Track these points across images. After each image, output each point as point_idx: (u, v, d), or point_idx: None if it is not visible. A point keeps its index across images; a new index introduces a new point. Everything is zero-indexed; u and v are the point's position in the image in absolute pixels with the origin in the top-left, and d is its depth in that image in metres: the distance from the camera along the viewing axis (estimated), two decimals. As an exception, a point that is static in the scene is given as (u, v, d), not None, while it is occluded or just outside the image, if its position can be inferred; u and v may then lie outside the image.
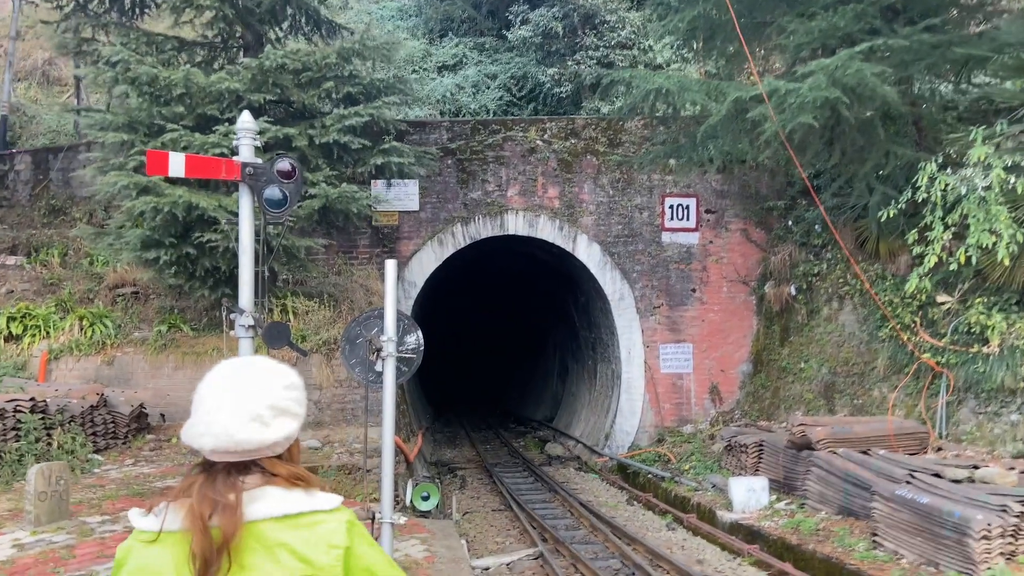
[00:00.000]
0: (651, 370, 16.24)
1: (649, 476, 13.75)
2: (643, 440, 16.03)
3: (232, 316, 7.93)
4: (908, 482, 8.96)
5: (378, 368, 6.30)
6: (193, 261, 10.47)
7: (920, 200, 10.72)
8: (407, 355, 6.40)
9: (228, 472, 1.69)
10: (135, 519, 1.71)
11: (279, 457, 1.74)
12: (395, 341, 6.30)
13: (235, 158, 7.72)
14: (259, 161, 7.83)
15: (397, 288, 6.73)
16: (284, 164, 7.80)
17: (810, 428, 11.13)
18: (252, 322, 7.75)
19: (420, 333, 6.41)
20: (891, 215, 11.13)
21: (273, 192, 7.75)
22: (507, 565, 8.72)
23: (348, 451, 10.27)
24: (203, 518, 1.62)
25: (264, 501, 1.67)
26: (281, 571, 1.63)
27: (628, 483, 14.25)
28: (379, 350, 6.27)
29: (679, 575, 8.15)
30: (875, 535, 8.88)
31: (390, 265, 6.00)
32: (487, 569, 8.63)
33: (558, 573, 7.97)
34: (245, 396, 1.70)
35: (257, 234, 8.30)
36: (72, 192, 15.84)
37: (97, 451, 9.79)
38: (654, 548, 9.03)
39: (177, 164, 7.40)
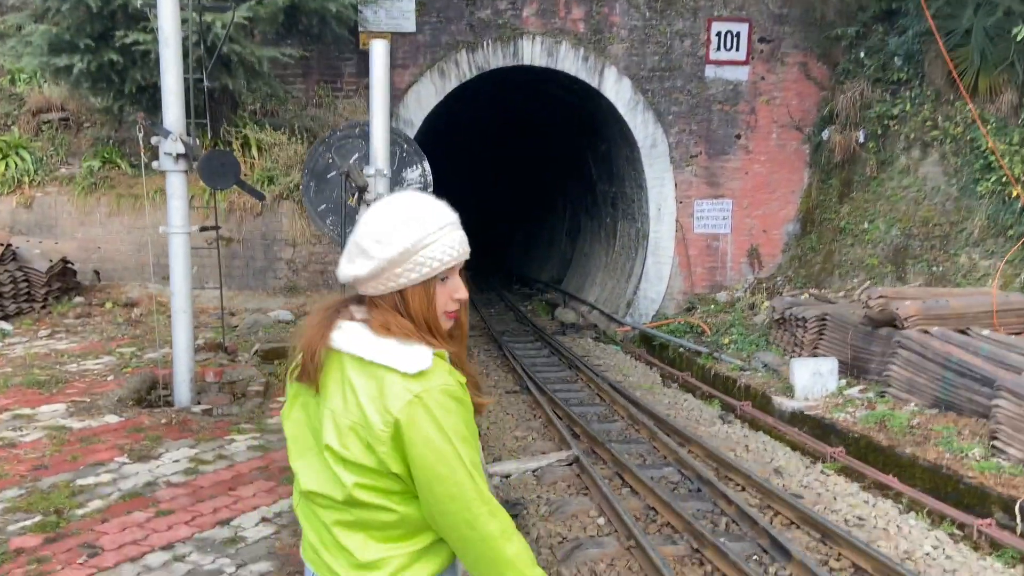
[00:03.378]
0: (683, 229, 14.09)
1: (681, 350, 11.90)
2: (670, 308, 14.12)
3: (154, 140, 5.56)
4: (1042, 374, 7.03)
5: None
6: (120, 72, 7.97)
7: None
8: (407, 197, 4.15)
9: (356, 301, 1.67)
10: None
11: (398, 307, 1.60)
12: (388, 176, 4.03)
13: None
14: (180, -96, 5.24)
15: (390, 108, 4.39)
16: (218, -90, 5.22)
17: (894, 301, 9.11)
18: (182, 149, 5.39)
19: (427, 165, 4.15)
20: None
21: (204, -46, 5.23)
22: (533, 472, 6.87)
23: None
24: (311, 341, 1.62)
25: (347, 334, 1.60)
26: (344, 409, 1.56)
27: (656, 357, 12.43)
28: (362, 189, 4.02)
29: (760, 493, 6.31)
30: (995, 439, 7.02)
31: (378, 45, 3.64)
32: (508, 477, 6.79)
33: (602, 488, 6.13)
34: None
35: (196, 31, 5.77)
36: (-6, -1, 12.99)
37: (5, 318, 7.66)
38: (715, 451, 7.18)
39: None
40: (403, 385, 1.51)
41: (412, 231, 1.57)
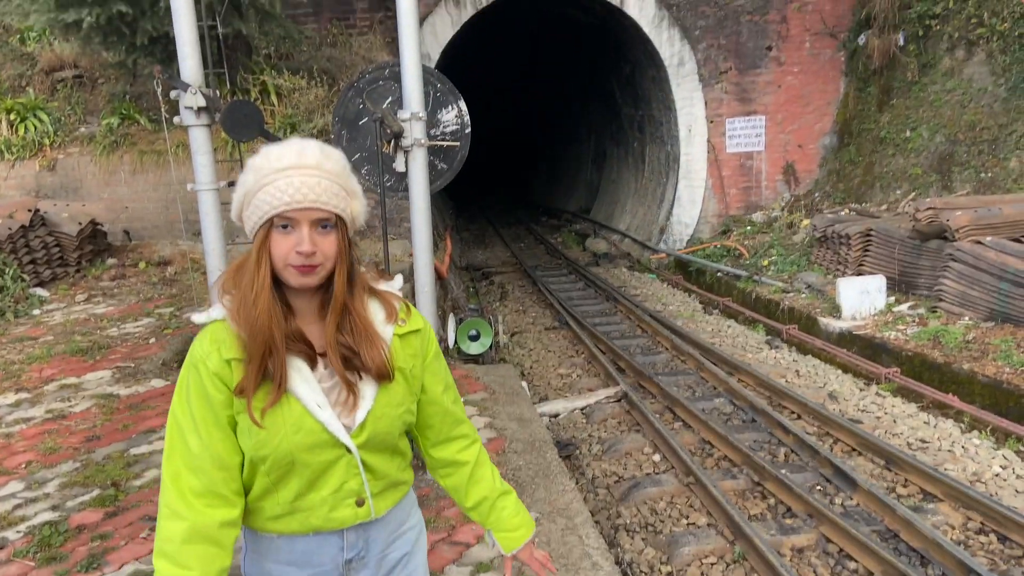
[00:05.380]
0: (715, 150, 13.66)
1: (719, 275, 11.66)
2: (704, 232, 13.82)
3: (173, 94, 5.33)
4: (1108, 282, 6.74)
5: (399, 167, 3.88)
6: (130, 24, 7.69)
7: None
8: (445, 141, 3.91)
9: None
10: None
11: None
12: (424, 119, 3.80)
13: None
14: None
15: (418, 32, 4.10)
16: None
17: (943, 212, 8.76)
18: (203, 103, 5.17)
19: (463, 104, 3.90)
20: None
21: None
22: (582, 411, 6.78)
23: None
24: None
25: None
26: None
27: (694, 284, 12.21)
28: (398, 136, 3.81)
29: (817, 420, 6.17)
30: (1058, 351, 6.79)
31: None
32: (556, 416, 6.70)
33: (654, 423, 6.02)
34: None
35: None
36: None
37: (41, 284, 7.60)
38: (766, 379, 7.02)
39: None
40: None
41: (250, 175, 1.54)
